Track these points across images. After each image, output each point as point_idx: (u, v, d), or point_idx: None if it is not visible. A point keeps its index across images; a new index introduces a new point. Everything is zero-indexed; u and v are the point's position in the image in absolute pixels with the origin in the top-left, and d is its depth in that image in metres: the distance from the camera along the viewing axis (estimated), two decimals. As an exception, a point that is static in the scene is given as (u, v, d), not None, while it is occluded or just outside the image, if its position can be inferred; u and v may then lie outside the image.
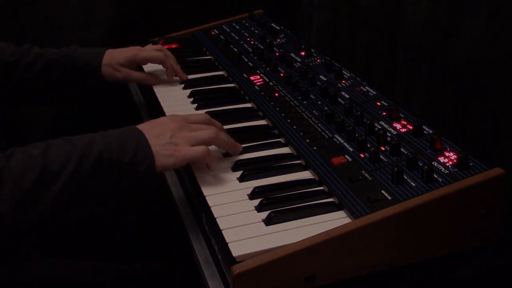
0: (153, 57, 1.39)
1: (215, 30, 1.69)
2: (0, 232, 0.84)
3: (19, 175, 0.83)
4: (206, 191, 0.97)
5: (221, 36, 1.64)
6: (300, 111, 1.17)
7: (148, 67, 1.46)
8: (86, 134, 0.92)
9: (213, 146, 1.03)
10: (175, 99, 1.32)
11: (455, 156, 0.94)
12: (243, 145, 1.08)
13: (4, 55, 1.31)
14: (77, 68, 1.33)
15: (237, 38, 1.60)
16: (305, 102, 1.19)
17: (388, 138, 1.01)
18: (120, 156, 0.89)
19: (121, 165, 0.89)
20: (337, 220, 0.88)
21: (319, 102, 1.18)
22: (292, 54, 1.41)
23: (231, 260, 0.81)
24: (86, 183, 0.87)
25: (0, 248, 0.89)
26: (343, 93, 1.20)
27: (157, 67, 1.44)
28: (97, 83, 1.35)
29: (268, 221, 0.88)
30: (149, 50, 1.40)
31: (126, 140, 0.91)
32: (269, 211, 0.89)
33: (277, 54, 1.44)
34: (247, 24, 1.68)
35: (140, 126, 0.96)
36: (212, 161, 1.00)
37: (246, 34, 1.61)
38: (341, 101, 1.17)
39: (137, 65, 1.42)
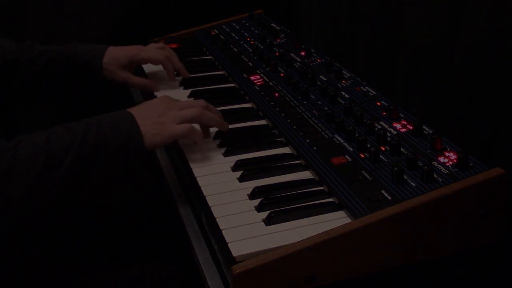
0: (153, 59, 1.38)
1: (215, 30, 1.69)
2: (14, 215, 0.90)
3: (27, 162, 0.90)
4: (206, 191, 0.97)
5: (221, 36, 1.64)
6: (300, 111, 1.17)
7: (149, 67, 1.46)
8: (82, 120, 0.99)
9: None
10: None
11: (455, 156, 0.94)
12: (243, 145, 1.08)
13: (6, 52, 1.31)
14: (78, 66, 1.33)
15: (237, 38, 1.60)
16: (305, 102, 1.19)
17: (388, 138, 1.01)
18: (113, 139, 0.96)
19: (115, 147, 0.96)
20: (337, 220, 0.88)
21: (319, 102, 1.18)
22: (292, 54, 1.41)
23: (231, 260, 0.81)
24: (88, 165, 0.94)
25: (14, 231, 0.97)
26: (343, 93, 1.20)
27: (158, 67, 1.43)
28: (98, 81, 1.35)
29: (268, 221, 0.88)
30: (151, 50, 1.39)
31: (118, 124, 0.98)
32: (269, 211, 0.89)
33: (277, 54, 1.44)
34: (247, 24, 1.68)
35: (130, 109, 1.03)
36: (198, 137, 1.05)
37: (246, 34, 1.61)
38: (341, 101, 1.17)
39: (138, 65, 1.42)
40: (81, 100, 1.66)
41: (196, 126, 1.09)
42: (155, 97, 1.35)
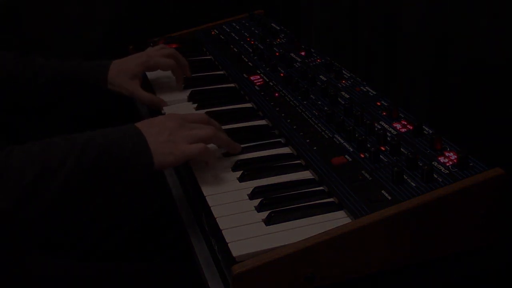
0: (163, 66, 1.35)
1: (215, 30, 1.69)
2: (2, 229, 0.85)
3: (19, 172, 0.84)
4: (206, 191, 0.97)
5: (221, 36, 1.64)
6: (300, 111, 1.17)
7: (152, 73, 1.43)
8: (85, 132, 0.93)
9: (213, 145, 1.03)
10: (174, 99, 1.32)
11: (455, 156, 0.94)
12: (243, 145, 1.08)
13: (7, 66, 1.29)
14: (81, 85, 1.31)
15: (237, 38, 1.60)
16: (305, 102, 1.19)
17: (388, 138, 1.01)
18: (118, 155, 0.90)
19: (120, 163, 0.90)
20: (337, 220, 0.88)
21: (319, 102, 1.18)
22: (292, 54, 1.41)
23: (231, 260, 0.81)
24: (86, 180, 0.88)
25: (2, 245, 0.91)
26: (343, 93, 1.20)
27: (161, 73, 1.41)
28: (102, 97, 1.33)
29: (268, 221, 0.88)
30: (157, 56, 1.35)
31: (124, 139, 0.92)
32: (269, 211, 0.89)
33: (277, 54, 1.44)
34: (247, 24, 1.68)
35: (138, 125, 0.97)
36: (211, 158, 1.01)
37: (246, 34, 1.61)
38: (341, 101, 1.17)
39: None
40: (83, 108, 1.66)
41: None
42: (153, 91, 1.35)
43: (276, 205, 0.91)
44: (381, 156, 0.97)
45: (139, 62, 1.33)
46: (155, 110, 1.32)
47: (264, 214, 0.89)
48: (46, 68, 1.31)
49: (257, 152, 1.07)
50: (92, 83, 1.31)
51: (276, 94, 1.25)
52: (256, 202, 0.92)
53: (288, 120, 1.14)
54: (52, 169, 0.86)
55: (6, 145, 0.89)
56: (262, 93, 1.27)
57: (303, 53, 1.41)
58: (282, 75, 1.32)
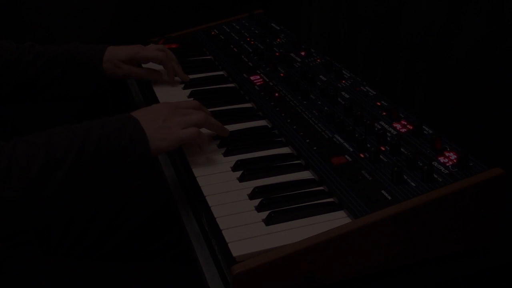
0: (154, 57, 1.39)
1: (215, 30, 1.69)
2: (10, 218, 0.88)
3: (25, 163, 0.87)
4: (206, 191, 0.97)
5: (221, 36, 1.64)
6: (300, 111, 1.17)
7: (149, 67, 1.46)
8: (84, 122, 0.97)
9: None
10: (175, 99, 1.32)
11: (455, 156, 0.94)
12: (243, 145, 1.08)
13: (5, 53, 1.31)
14: (78, 66, 1.33)
15: (237, 38, 1.60)
16: (305, 102, 1.19)
17: (388, 138, 1.01)
18: (117, 142, 0.94)
19: (119, 150, 0.94)
20: (337, 220, 0.88)
21: (319, 102, 1.18)
22: (292, 54, 1.41)
23: (231, 260, 0.81)
24: (89, 168, 0.92)
25: (3, 245, 0.92)
26: (343, 93, 1.20)
27: (158, 66, 1.43)
28: (98, 80, 1.35)
29: (268, 221, 0.88)
30: (151, 49, 1.40)
31: (122, 127, 0.97)
32: (269, 211, 0.89)
33: (277, 54, 1.44)
34: (247, 24, 1.68)
35: (134, 113, 1.02)
36: (204, 141, 1.05)
37: (246, 34, 1.61)
38: (341, 101, 1.17)
39: (137, 64, 1.42)
40: (81, 99, 1.67)
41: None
42: (153, 90, 1.36)
43: (276, 205, 0.91)
44: (381, 156, 0.97)
45: (131, 52, 1.37)
46: (150, 99, 1.34)
47: (264, 214, 0.89)
48: (43, 53, 1.33)
49: (257, 152, 1.07)
50: (87, 67, 1.34)
51: (276, 94, 1.25)
52: (256, 202, 0.93)
53: (288, 120, 1.14)
54: (56, 160, 0.89)
55: (5, 136, 0.91)
56: (262, 93, 1.27)
57: (303, 53, 1.41)
58: (282, 75, 1.32)
